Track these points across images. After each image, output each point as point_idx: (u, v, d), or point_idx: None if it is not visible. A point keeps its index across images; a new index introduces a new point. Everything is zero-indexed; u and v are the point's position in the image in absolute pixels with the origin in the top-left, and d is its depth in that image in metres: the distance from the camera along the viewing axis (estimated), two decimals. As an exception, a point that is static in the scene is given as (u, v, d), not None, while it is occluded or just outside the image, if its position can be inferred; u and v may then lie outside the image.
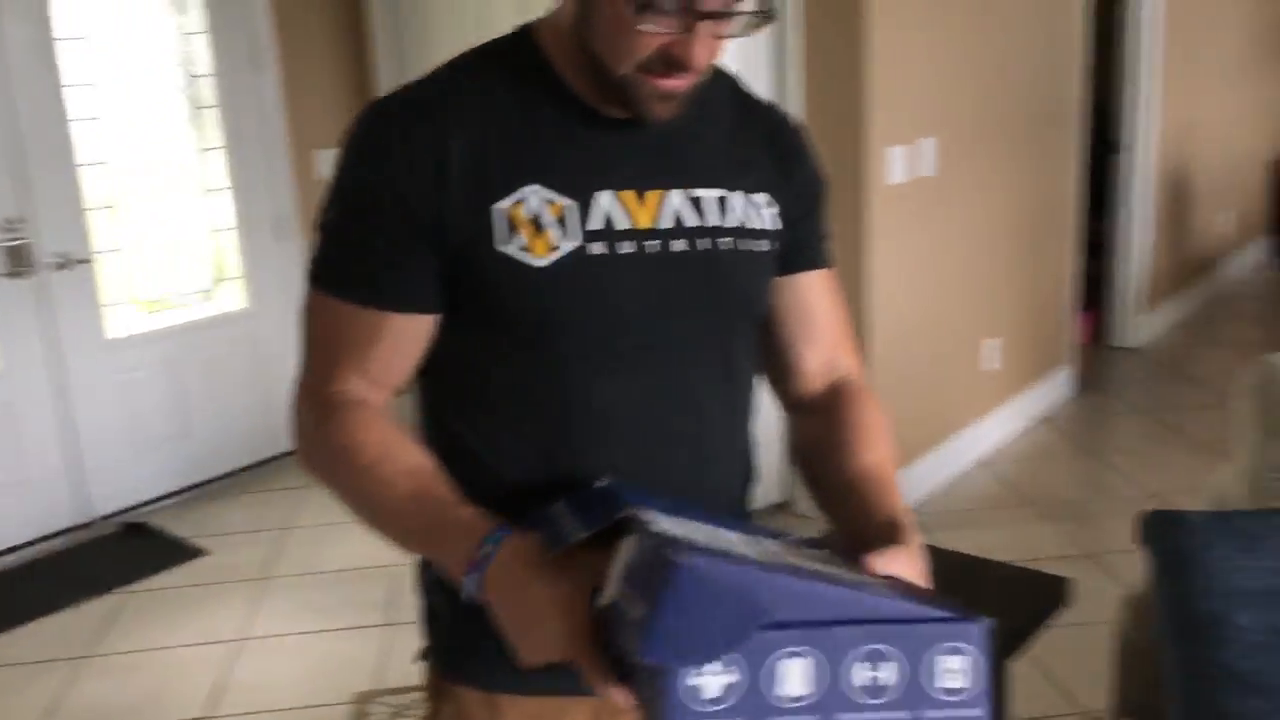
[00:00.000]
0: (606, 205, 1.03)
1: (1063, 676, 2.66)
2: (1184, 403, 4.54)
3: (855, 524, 1.03)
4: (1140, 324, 5.29)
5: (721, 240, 1.07)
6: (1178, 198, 5.52)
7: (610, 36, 0.98)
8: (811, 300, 1.18)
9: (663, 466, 1.08)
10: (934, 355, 3.76)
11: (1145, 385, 4.81)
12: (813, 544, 0.98)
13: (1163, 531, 1.70)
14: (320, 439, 1.05)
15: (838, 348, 1.19)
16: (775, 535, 0.97)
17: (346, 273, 1.04)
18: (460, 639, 1.14)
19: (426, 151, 1.00)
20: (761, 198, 1.11)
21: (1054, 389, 4.54)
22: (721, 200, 1.08)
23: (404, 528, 1.00)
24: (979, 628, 0.75)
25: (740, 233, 1.09)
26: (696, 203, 1.07)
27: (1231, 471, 2.15)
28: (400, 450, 1.02)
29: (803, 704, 0.73)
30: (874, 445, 1.12)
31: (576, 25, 1.00)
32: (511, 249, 1.00)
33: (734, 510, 1.18)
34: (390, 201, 1.00)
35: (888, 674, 0.74)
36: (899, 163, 3.42)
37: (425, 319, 1.05)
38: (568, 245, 1.01)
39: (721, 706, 0.72)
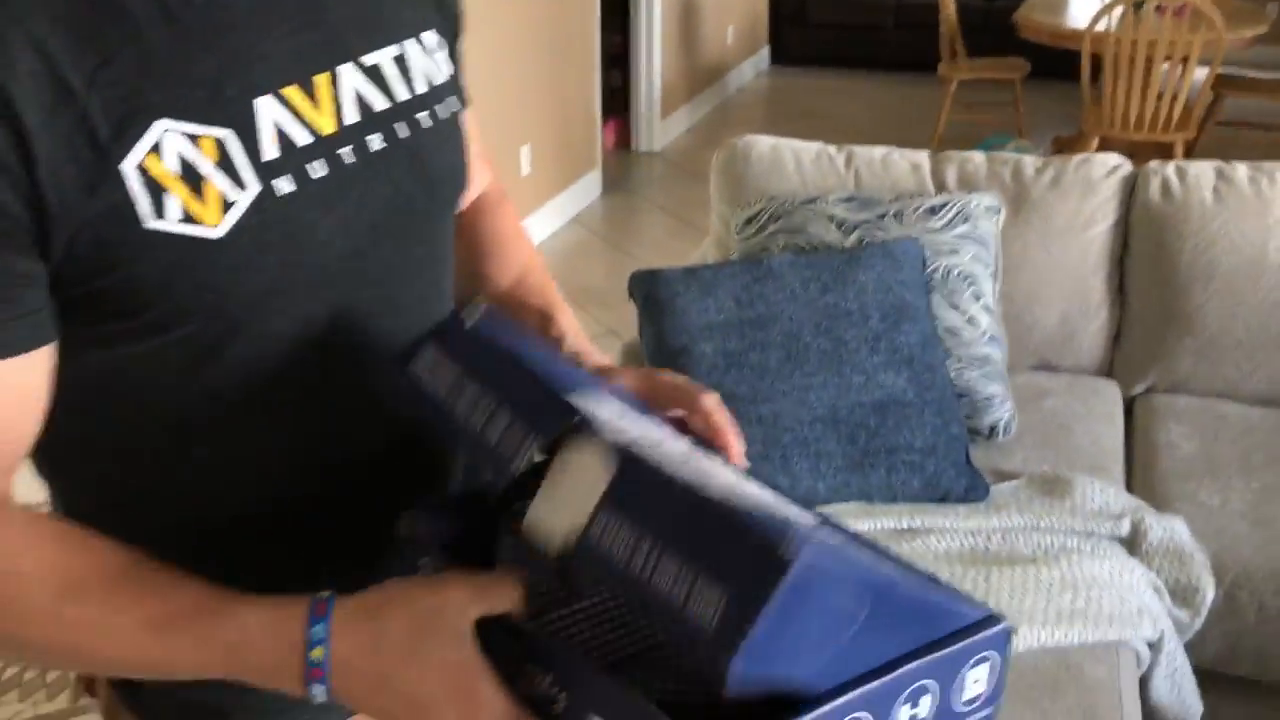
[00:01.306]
0: (274, 117, 0.73)
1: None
2: (697, 199, 5.10)
3: None
4: (659, 130, 5.82)
5: (419, 117, 0.82)
6: (687, 12, 6.04)
7: None
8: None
9: (400, 419, 0.85)
10: (471, 162, 3.98)
11: (664, 185, 5.34)
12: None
13: (644, 286, 2.05)
14: None
15: (476, 169, 0.97)
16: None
17: None
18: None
19: None
20: (431, 38, 0.86)
21: (584, 191, 4.95)
22: (400, 60, 0.82)
23: (151, 662, 0.70)
24: (1005, 632, 0.67)
25: (431, 98, 0.84)
26: (374, 74, 0.80)
27: (710, 239, 2.57)
28: (87, 564, 0.69)
29: None
30: (511, 260, 1.00)
31: None
32: (169, 223, 0.69)
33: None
34: None
35: (925, 707, 0.64)
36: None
37: (46, 351, 0.71)
38: (246, 196, 0.71)
39: None
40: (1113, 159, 2.31)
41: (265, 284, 0.73)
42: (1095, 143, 4.51)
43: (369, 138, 0.78)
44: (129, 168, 0.68)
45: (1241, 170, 2.22)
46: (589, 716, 0.61)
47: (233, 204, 0.71)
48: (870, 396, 1.89)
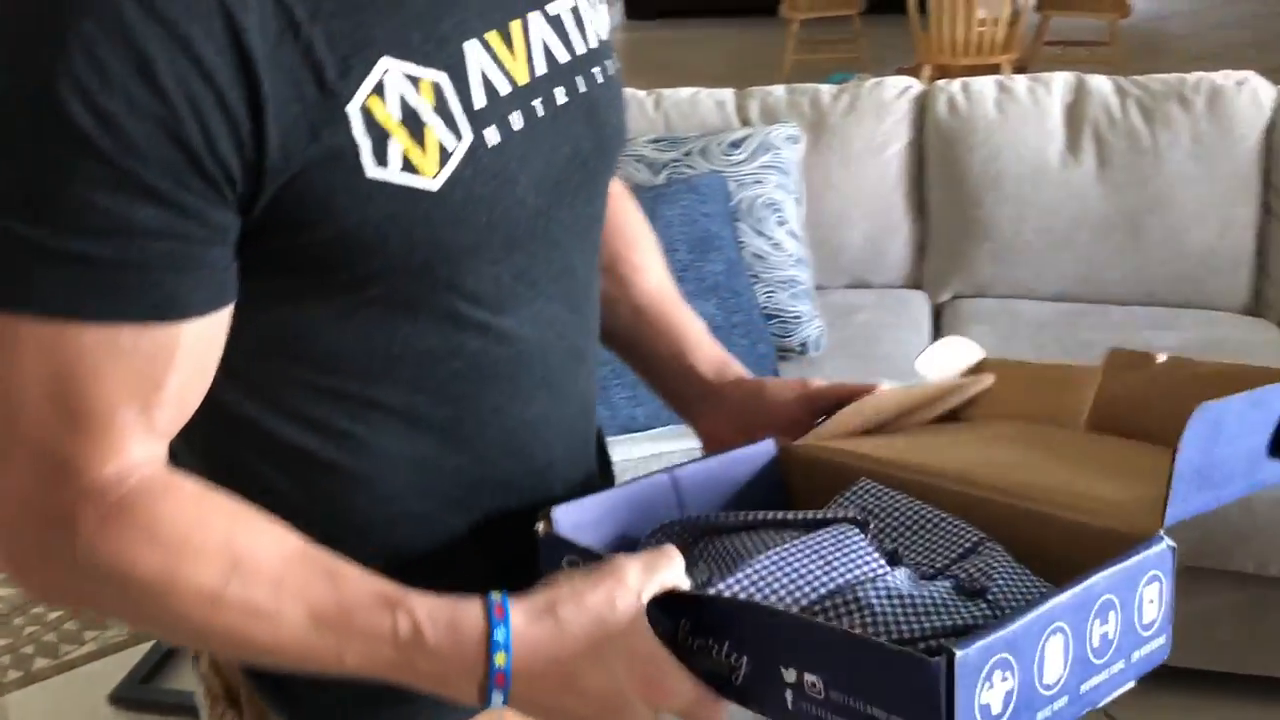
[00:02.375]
0: (480, 63, 0.68)
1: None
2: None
3: (661, 371, 0.93)
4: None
5: (594, 72, 0.77)
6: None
7: None
8: None
9: (573, 393, 0.81)
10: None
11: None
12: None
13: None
14: (108, 569, 0.62)
15: None
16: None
17: (94, 279, 0.59)
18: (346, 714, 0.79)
19: (212, 37, 0.57)
20: None
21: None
22: (575, 12, 0.77)
23: (314, 655, 0.63)
24: (1171, 551, 0.67)
25: (602, 54, 0.79)
26: (557, 25, 0.75)
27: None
28: (257, 545, 0.64)
29: (1058, 689, 0.61)
30: (651, 260, 0.96)
31: None
32: (390, 172, 0.63)
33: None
34: (161, 147, 0.57)
35: (1113, 625, 0.64)
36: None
37: (225, 313, 0.65)
38: (461, 145, 0.66)
39: (1000, 717, 0.59)
40: (904, 81, 2.43)
41: (466, 242, 0.67)
42: (928, 72, 4.67)
43: (555, 90, 0.73)
44: (354, 109, 0.61)
45: (1021, 82, 2.36)
46: (778, 671, 0.61)
47: (450, 154, 0.65)
48: (679, 325, 1.99)
